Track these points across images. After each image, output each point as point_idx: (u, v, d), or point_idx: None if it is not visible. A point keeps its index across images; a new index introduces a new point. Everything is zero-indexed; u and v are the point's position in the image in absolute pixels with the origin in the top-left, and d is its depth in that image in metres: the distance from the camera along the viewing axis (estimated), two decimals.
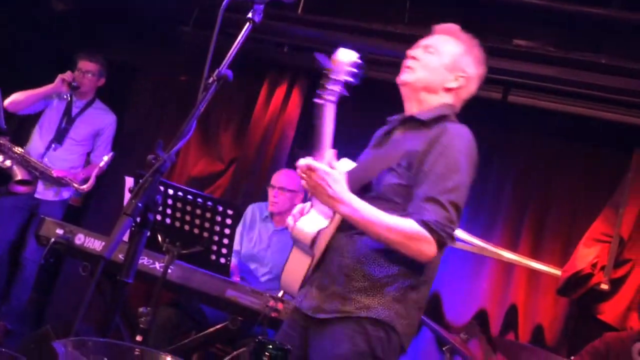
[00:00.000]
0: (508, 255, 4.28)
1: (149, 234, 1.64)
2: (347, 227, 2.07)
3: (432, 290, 4.44)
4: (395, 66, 4.42)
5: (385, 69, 4.50)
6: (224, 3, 1.84)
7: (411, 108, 2.20)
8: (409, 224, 1.94)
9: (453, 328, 4.20)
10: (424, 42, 2.23)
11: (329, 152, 2.10)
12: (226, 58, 1.79)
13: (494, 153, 4.51)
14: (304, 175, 2.00)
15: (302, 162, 2.00)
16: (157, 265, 3.18)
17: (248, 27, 1.87)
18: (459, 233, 4.39)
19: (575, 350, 3.59)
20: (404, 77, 2.18)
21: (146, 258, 3.20)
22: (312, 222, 2.12)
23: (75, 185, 4.46)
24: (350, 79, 2.11)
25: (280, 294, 2.52)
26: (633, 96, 3.96)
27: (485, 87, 4.12)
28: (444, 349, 3.34)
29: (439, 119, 2.11)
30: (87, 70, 4.64)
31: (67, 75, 4.53)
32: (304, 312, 2.10)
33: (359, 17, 4.59)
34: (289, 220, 2.17)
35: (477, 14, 4.29)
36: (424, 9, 4.40)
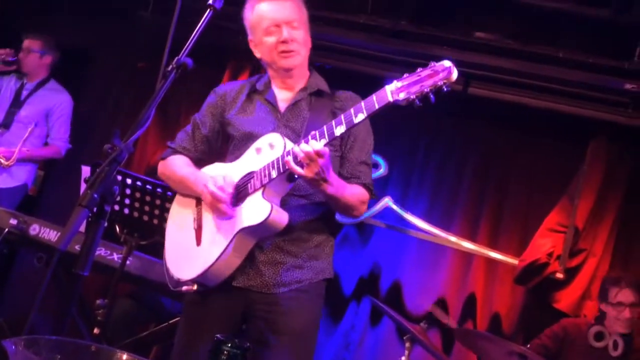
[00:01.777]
0: (467, 245, 4.34)
1: (106, 224, 1.60)
2: (294, 203, 2.15)
3: (391, 280, 4.51)
4: (357, 55, 4.45)
5: (346, 59, 4.52)
6: None
7: (285, 83, 2.30)
8: (360, 190, 2.20)
9: (413, 317, 4.24)
10: (279, 16, 2.23)
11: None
12: (186, 45, 1.75)
13: (453, 144, 4.56)
14: (309, 160, 1.91)
15: (311, 147, 1.91)
16: (115, 256, 3.12)
17: (209, 13, 1.83)
18: (419, 223, 4.43)
19: (531, 338, 3.68)
20: (293, 62, 2.25)
21: (104, 249, 3.13)
22: (277, 206, 2.07)
23: (1, 160, 4.28)
24: None
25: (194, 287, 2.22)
26: (589, 89, 4.04)
27: None
28: (404, 338, 3.37)
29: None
30: (29, 47, 4.53)
31: (5, 50, 4.41)
32: (255, 290, 2.13)
33: (322, 6, 4.56)
34: (224, 208, 2.07)
35: (438, 6, 4.31)
36: (386, 0, 4.40)
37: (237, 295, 2.14)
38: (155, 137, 5.15)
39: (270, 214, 2.00)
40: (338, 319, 4.47)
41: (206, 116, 2.38)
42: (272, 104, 2.28)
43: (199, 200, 2.24)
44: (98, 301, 2.80)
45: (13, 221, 3.27)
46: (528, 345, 3.41)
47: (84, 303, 3.45)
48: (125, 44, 5.18)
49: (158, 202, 3.04)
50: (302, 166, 1.95)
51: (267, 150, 2.09)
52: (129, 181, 3.05)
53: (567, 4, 3.89)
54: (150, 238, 3.08)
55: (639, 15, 3.76)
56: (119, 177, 3.00)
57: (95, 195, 1.43)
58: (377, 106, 1.89)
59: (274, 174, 2.01)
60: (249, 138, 2.20)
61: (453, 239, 4.36)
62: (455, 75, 1.83)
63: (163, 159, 2.39)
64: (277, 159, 2.02)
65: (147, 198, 3.04)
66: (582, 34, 4.07)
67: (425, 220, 4.43)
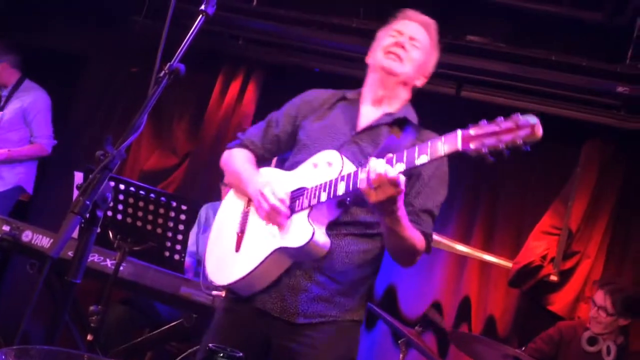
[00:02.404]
0: (461, 248, 4.34)
1: (99, 230, 1.59)
2: (336, 229, 1.98)
3: (386, 284, 4.50)
4: (350, 60, 4.47)
5: (340, 63, 4.52)
6: None
7: (377, 95, 2.14)
8: (420, 237, 1.98)
9: (408, 321, 4.24)
10: (407, 30, 2.16)
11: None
12: (178, 51, 1.74)
13: None
14: (380, 184, 1.72)
15: (391, 172, 1.71)
16: (109, 262, 3.10)
17: (201, 19, 1.82)
18: None
19: (525, 340, 3.68)
20: (395, 67, 2.10)
21: (97, 255, 3.12)
22: (321, 231, 1.93)
23: None
24: None
25: (222, 293, 2.22)
26: (582, 92, 4.06)
27: (439, 82, 4.23)
28: (399, 342, 3.37)
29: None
30: None
31: None
32: (274, 315, 2.00)
33: (314, 10, 4.57)
34: (282, 222, 1.94)
35: (431, 9, 4.31)
36: (378, 3, 4.41)
37: (259, 316, 2.02)
38: (148, 143, 5.13)
39: (311, 240, 1.87)
40: None
41: (283, 116, 2.25)
42: (354, 116, 2.13)
43: (249, 202, 2.12)
44: (91, 307, 2.79)
45: (6, 227, 3.25)
46: (523, 348, 3.42)
47: (77, 309, 3.44)
48: (118, 49, 5.17)
49: (151, 207, 3.03)
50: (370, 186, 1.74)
51: (324, 167, 1.95)
52: (121, 187, 3.04)
53: (560, 7, 3.91)
54: (144, 244, 3.06)
55: (631, 18, 3.79)
56: (112, 183, 2.99)
57: (88, 202, 1.42)
58: (442, 153, 1.69)
59: (323, 197, 1.88)
60: (313, 146, 2.07)
61: (447, 242, 4.36)
62: (540, 134, 1.61)
63: (229, 148, 2.31)
64: (330, 182, 1.88)
65: (140, 204, 3.03)
66: (575, 37, 4.09)
67: None
